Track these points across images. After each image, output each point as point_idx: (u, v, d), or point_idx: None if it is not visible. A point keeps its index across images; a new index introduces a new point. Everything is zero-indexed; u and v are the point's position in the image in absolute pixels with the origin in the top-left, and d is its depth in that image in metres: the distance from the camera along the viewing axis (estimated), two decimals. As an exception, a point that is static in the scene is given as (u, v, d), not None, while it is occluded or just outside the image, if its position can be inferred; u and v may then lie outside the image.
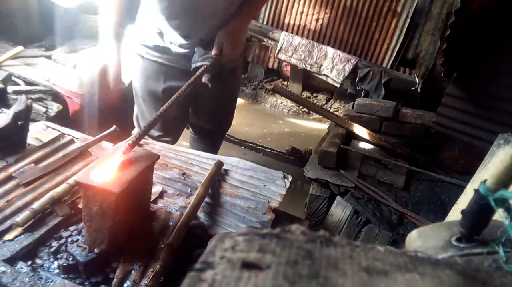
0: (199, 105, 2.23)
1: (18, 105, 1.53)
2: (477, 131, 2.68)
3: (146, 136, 2.04)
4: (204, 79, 1.82)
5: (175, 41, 1.91)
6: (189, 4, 1.80)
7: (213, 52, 1.81)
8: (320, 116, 3.88)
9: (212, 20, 1.85)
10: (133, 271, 1.15)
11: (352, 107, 3.19)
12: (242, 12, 1.89)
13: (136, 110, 2.23)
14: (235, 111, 2.44)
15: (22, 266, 1.13)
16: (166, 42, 1.93)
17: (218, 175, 1.64)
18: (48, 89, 2.52)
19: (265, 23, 4.51)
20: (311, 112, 4.62)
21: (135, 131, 2.25)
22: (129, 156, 1.20)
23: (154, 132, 2.13)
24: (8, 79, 2.38)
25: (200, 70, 1.72)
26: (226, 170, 1.69)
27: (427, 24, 3.99)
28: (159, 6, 1.84)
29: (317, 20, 4.37)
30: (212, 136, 2.44)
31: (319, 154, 2.47)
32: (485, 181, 0.56)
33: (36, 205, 1.25)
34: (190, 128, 2.49)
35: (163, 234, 1.29)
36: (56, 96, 2.53)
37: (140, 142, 1.77)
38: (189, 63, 1.88)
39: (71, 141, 1.68)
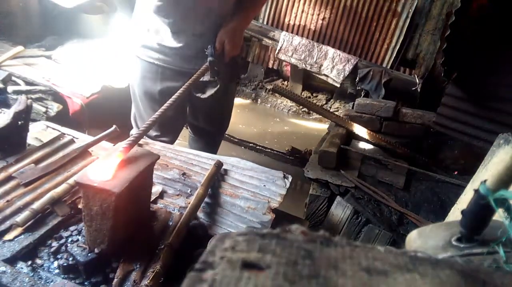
0: (196, 106, 2.24)
1: (18, 105, 1.53)
2: (477, 131, 2.68)
3: (145, 137, 2.05)
4: (208, 77, 1.84)
5: (169, 40, 1.91)
6: (184, 2, 1.80)
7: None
8: (320, 116, 3.88)
9: (207, 19, 1.86)
10: (133, 271, 1.15)
11: (352, 107, 3.19)
12: (243, 12, 1.89)
13: (133, 111, 2.23)
14: (235, 111, 2.44)
15: (22, 266, 1.13)
16: (161, 42, 1.93)
17: (218, 175, 1.64)
18: (48, 89, 2.52)
19: (265, 23, 4.51)
20: (311, 112, 4.62)
21: (133, 131, 2.25)
22: (129, 156, 1.20)
23: (152, 132, 2.13)
24: (8, 79, 2.38)
25: (201, 69, 1.73)
26: (226, 170, 1.69)
27: (427, 24, 3.99)
28: (153, 5, 1.84)
29: (317, 20, 4.37)
30: (210, 136, 2.44)
31: (319, 154, 2.47)
32: (485, 181, 0.56)
33: (36, 205, 1.25)
34: (188, 128, 2.49)
35: (163, 234, 1.29)
36: (56, 96, 2.53)
37: (140, 142, 1.77)
38: (184, 64, 1.90)
39: (71, 141, 1.68)
